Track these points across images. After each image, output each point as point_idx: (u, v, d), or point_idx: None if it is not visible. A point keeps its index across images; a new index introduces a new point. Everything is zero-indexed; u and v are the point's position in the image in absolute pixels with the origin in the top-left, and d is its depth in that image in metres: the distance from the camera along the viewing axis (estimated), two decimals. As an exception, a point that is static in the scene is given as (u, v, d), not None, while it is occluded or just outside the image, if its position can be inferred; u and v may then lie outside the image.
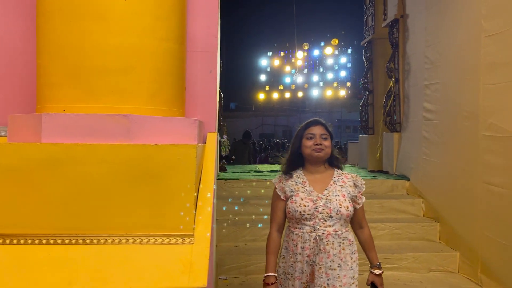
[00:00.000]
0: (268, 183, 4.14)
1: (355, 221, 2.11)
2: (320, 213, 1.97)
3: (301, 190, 2.05)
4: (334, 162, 2.16)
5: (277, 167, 2.23)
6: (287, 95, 26.62)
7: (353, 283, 2.00)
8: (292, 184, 2.09)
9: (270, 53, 27.17)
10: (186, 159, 1.61)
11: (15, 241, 1.54)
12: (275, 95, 26.40)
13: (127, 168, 1.58)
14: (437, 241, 3.91)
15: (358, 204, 2.08)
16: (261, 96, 26.49)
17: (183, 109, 2.05)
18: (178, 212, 1.61)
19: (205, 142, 2.12)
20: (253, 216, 3.91)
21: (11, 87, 2.02)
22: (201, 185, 1.83)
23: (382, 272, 2.07)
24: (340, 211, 1.97)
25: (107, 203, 1.58)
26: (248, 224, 3.82)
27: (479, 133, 3.26)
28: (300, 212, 1.98)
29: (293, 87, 26.57)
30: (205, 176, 1.89)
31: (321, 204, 1.98)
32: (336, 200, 1.99)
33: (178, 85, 1.95)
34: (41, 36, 1.76)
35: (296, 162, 2.17)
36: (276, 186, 2.14)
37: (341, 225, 1.99)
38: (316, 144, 2.05)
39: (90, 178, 1.57)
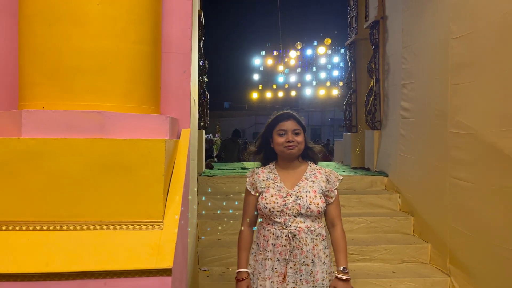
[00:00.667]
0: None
1: (328, 218, 2.06)
2: (290, 209, 1.94)
3: (272, 186, 2.02)
4: (308, 155, 2.13)
5: None
6: (280, 94, 26.81)
7: (325, 277, 1.96)
8: (264, 180, 2.06)
9: (263, 53, 27.33)
10: (155, 152, 1.75)
11: (-3, 228, 1.67)
12: (269, 94, 26.58)
13: (101, 160, 1.72)
14: (411, 234, 4.08)
15: (331, 198, 2.03)
16: (255, 95, 26.67)
17: (158, 107, 2.18)
18: (149, 201, 1.75)
19: (179, 138, 2.26)
20: (235, 211, 4.06)
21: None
22: (173, 177, 1.97)
23: (349, 279, 1.94)
24: (310, 208, 1.93)
25: (83, 192, 1.71)
26: (229, 218, 3.97)
27: (448, 130, 3.42)
28: (269, 208, 1.95)
29: (286, 86, 26.76)
30: (177, 169, 2.02)
31: (290, 201, 1.94)
32: (307, 196, 1.95)
33: (152, 84, 2.08)
34: (22, 38, 1.89)
35: (270, 157, 2.16)
36: (248, 181, 2.13)
37: (312, 221, 1.96)
38: (288, 142, 1.99)
39: (66, 170, 1.69)
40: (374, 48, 5.31)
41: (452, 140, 3.36)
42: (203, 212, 4.18)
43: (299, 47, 24.41)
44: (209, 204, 4.23)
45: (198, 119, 4.91)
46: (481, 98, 2.99)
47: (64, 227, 1.70)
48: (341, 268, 1.96)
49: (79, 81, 1.82)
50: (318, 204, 1.96)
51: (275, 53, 26.24)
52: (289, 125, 2.03)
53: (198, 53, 4.84)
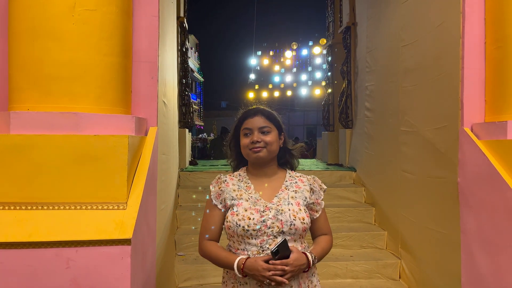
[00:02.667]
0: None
1: (315, 234, 1.77)
2: (269, 228, 1.57)
3: (245, 198, 1.65)
4: (287, 160, 1.77)
5: None
6: (276, 93, 27.23)
7: None
8: (234, 190, 1.69)
9: (259, 53, 27.74)
10: (120, 146, 2.12)
11: (-11, 207, 2.05)
12: (265, 94, 26.98)
13: (75, 152, 2.08)
14: (372, 223, 4.45)
15: (316, 212, 1.72)
16: (251, 95, 27.07)
17: (128, 108, 2.56)
18: (114, 186, 2.11)
19: (147, 134, 2.63)
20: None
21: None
22: (138, 167, 2.35)
23: (310, 266, 1.61)
24: (294, 224, 1.58)
25: (60, 179, 2.07)
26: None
27: (399, 128, 3.80)
28: (243, 226, 1.58)
29: (282, 86, 27.20)
30: (142, 160, 2.40)
31: (270, 216, 1.58)
32: (289, 210, 1.60)
33: (123, 89, 2.46)
34: (12, 51, 2.26)
35: (241, 162, 1.84)
36: (212, 192, 1.74)
37: (295, 241, 1.61)
38: (253, 142, 1.64)
39: (46, 160, 2.06)
40: (346, 52, 5.68)
41: (402, 137, 3.73)
42: (183, 204, 4.56)
43: (294, 47, 24.85)
44: (188, 196, 4.61)
45: (182, 119, 5.29)
46: (422, 99, 3.37)
47: (45, 207, 2.07)
48: (313, 254, 1.64)
49: (57, 87, 2.19)
50: (303, 219, 1.61)
51: (271, 53, 26.66)
52: (255, 122, 1.68)
53: (181, 57, 5.22)
